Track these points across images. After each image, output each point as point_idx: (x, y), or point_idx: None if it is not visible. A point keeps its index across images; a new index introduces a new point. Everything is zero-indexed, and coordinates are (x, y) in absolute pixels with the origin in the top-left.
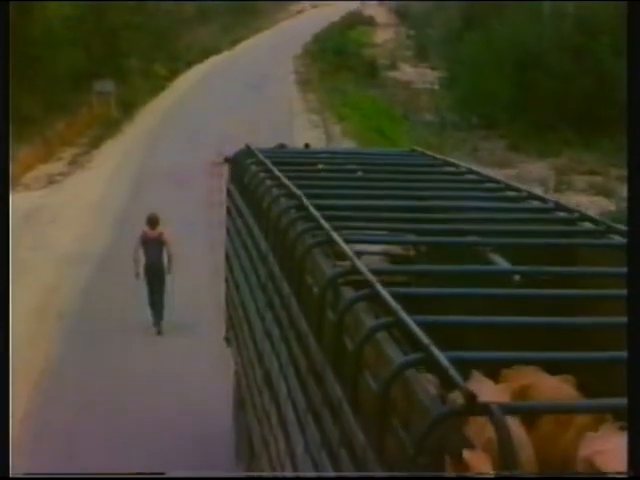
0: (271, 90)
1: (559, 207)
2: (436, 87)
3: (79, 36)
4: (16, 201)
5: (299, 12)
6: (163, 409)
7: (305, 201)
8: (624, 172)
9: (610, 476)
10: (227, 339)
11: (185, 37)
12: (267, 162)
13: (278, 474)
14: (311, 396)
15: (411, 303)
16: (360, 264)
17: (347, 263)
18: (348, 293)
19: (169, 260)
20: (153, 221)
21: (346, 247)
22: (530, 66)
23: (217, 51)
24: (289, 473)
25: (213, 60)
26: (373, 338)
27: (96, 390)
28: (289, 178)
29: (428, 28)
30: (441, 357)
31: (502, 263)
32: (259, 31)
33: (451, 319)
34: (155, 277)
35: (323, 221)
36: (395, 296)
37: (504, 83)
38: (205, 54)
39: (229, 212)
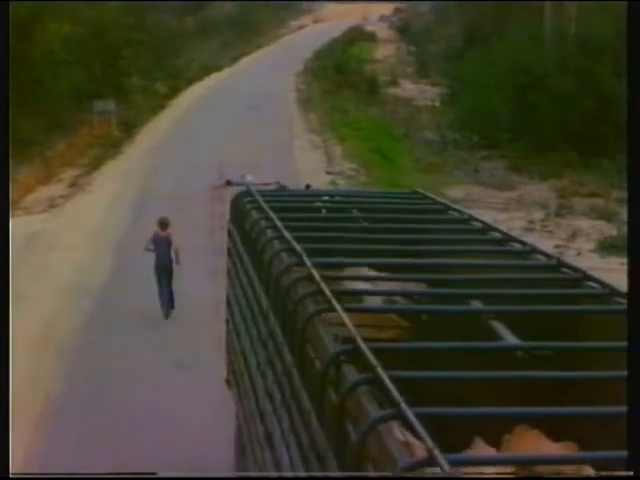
0: (272, 109)
1: (562, 264)
2: (437, 104)
3: (79, 56)
4: (16, 226)
5: (300, 28)
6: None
7: (307, 260)
8: (625, 194)
9: (610, 476)
10: (228, 382)
11: (186, 53)
12: (267, 209)
13: (278, 474)
14: (313, 471)
15: (412, 388)
16: (363, 345)
17: (349, 330)
18: (350, 373)
19: (176, 254)
20: (163, 223)
21: (348, 321)
22: (531, 87)
23: (218, 68)
24: (288, 473)
25: (214, 77)
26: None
27: (98, 431)
28: (290, 229)
29: (429, 44)
30: (409, 413)
31: (505, 333)
32: (260, 47)
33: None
34: (164, 272)
35: (324, 286)
36: (397, 380)
37: (505, 103)
38: (206, 71)
39: (230, 254)
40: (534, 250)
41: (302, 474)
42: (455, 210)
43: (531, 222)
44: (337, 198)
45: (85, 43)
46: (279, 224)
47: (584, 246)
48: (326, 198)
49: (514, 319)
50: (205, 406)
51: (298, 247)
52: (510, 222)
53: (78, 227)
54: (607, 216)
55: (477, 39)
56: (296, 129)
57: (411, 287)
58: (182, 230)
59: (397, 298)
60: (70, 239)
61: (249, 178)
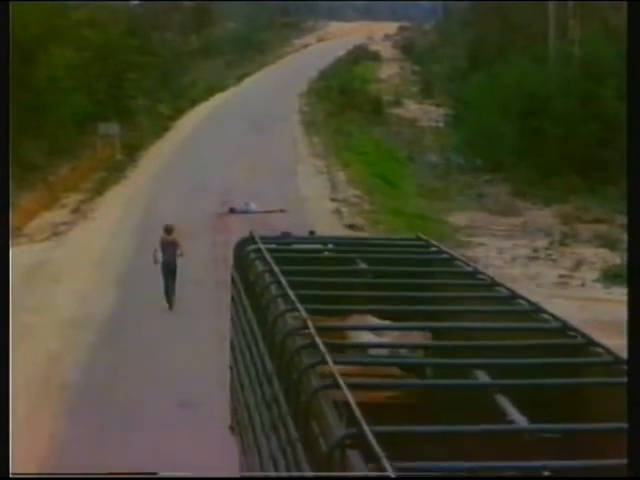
0: (275, 132)
1: (568, 327)
2: (441, 125)
3: (84, 80)
4: (19, 255)
5: (304, 46)
6: None
7: (311, 326)
8: None
9: (610, 476)
10: (232, 428)
11: (190, 71)
12: (271, 260)
13: (277, 474)
14: None
15: None
16: (368, 430)
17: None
18: (355, 459)
19: (180, 253)
20: (169, 229)
21: (352, 401)
22: (535, 111)
23: (222, 88)
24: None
25: (218, 97)
26: None
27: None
28: (294, 285)
29: (433, 64)
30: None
31: (510, 409)
32: (264, 66)
33: None
34: (169, 272)
35: (329, 357)
36: (401, 469)
37: (509, 127)
38: (210, 91)
39: (234, 301)
40: (539, 310)
41: (308, 474)
42: (460, 261)
43: (535, 250)
44: (341, 247)
45: (89, 67)
46: (283, 280)
47: (588, 275)
48: (330, 246)
49: (519, 391)
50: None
51: (302, 308)
52: (514, 250)
53: (81, 257)
54: (611, 243)
55: (481, 60)
56: (300, 153)
57: (415, 340)
58: (185, 262)
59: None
60: (73, 270)
61: (253, 206)
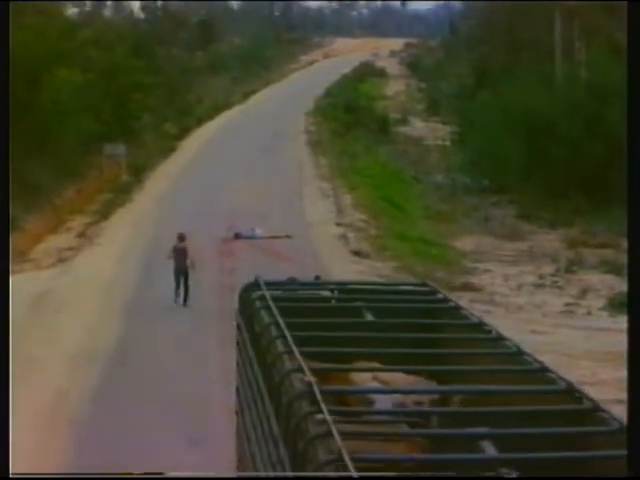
0: (282, 152)
1: (573, 389)
2: (447, 143)
3: (89, 102)
4: (25, 283)
5: (310, 63)
6: None
7: (317, 391)
8: None
9: (610, 476)
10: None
11: (196, 88)
12: (277, 313)
13: (276, 474)
14: None
15: None
16: None
17: None
18: None
19: (191, 263)
20: (181, 237)
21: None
22: (541, 132)
23: (228, 105)
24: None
25: (224, 115)
26: None
27: None
28: (300, 341)
29: (439, 80)
30: None
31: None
32: (270, 83)
33: None
34: (181, 275)
35: (335, 429)
36: None
37: (515, 148)
38: (216, 109)
39: (239, 347)
40: (545, 369)
41: (307, 474)
42: (465, 311)
43: (541, 277)
44: (346, 295)
45: (95, 87)
46: (288, 335)
47: (594, 304)
48: (336, 293)
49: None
50: None
51: (307, 370)
52: (520, 277)
53: (87, 285)
54: (617, 269)
55: (487, 78)
56: (306, 174)
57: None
58: (192, 290)
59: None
60: (79, 300)
61: (258, 231)
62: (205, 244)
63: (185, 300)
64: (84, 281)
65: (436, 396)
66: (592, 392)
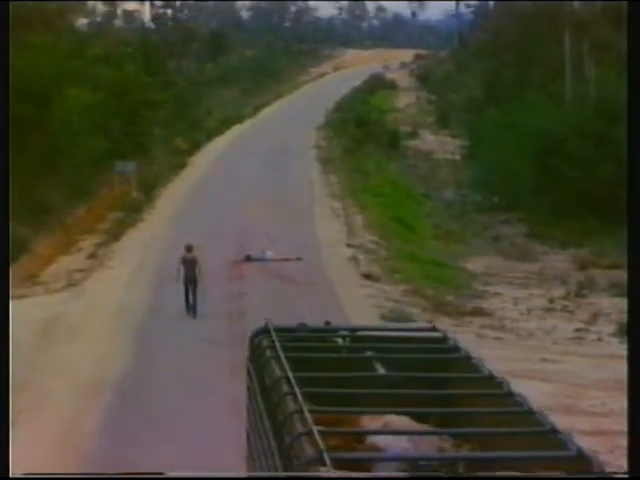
0: (292, 169)
1: (583, 455)
2: (457, 157)
3: (99, 121)
4: (35, 307)
5: (321, 75)
6: None
7: (327, 460)
8: None
9: (610, 476)
10: None
11: (207, 100)
12: (286, 365)
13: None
14: None
15: None
16: None
17: None
18: None
19: (200, 273)
20: (189, 248)
21: None
22: (550, 151)
23: (239, 119)
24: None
25: (234, 130)
26: None
27: None
28: (310, 398)
29: (449, 93)
30: None
31: None
32: (280, 96)
33: None
34: (190, 284)
35: None
36: None
37: (525, 166)
38: (227, 122)
39: (249, 393)
40: (554, 431)
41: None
42: (475, 360)
43: (551, 301)
44: (357, 344)
45: (105, 105)
46: (298, 392)
47: (604, 329)
48: (346, 340)
49: None
50: None
51: (318, 436)
52: (530, 300)
53: (97, 311)
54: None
55: (497, 92)
56: (316, 194)
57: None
58: (197, 318)
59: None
60: (89, 326)
61: (269, 253)
62: (215, 267)
63: (194, 310)
64: (95, 307)
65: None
66: (602, 423)
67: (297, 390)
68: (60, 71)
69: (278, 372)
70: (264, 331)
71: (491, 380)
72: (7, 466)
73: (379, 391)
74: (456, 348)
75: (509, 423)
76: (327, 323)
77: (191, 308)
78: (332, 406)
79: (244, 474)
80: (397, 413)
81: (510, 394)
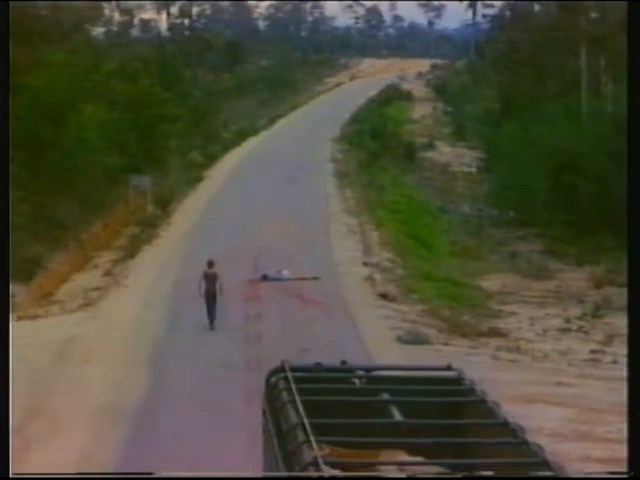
0: (308, 184)
1: None
2: (473, 170)
3: (115, 137)
4: (52, 328)
5: (337, 85)
6: None
7: None
8: None
9: (610, 476)
10: None
11: (222, 111)
12: (303, 412)
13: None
14: None
15: None
16: None
17: None
18: None
19: (220, 287)
20: (210, 264)
21: None
22: (567, 167)
23: (254, 131)
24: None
25: (250, 142)
26: None
27: None
28: (325, 445)
29: (466, 104)
30: None
31: None
32: (296, 107)
33: None
34: (211, 298)
35: None
36: None
37: (541, 181)
38: (242, 135)
39: (264, 433)
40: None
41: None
42: (490, 405)
43: (567, 321)
44: (372, 386)
45: (120, 120)
46: (314, 442)
47: (620, 351)
48: (362, 382)
49: None
50: None
51: None
52: (546, 320)
53: (113, 333)
54: None
55: (513, 105)
56: (332, 209)
57: None
58: (213, 340)
59: None
60: (105, 349)
61: (285, 273)
62: (231, 286)
63: (212, 322)
64: (111, 328)
65: None
66: (617, 450)
67: (313, 439)
68: (76, 88)
69: (294, 418)
70: (280, 370)
71: (506, 427)
72: (7, 466)
73: (395, 440)
74: (472, 390)
75: (524, 472)
76: (343, 362)
77: (212, 320)
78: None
79: (234, 474)
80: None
81: (525, 442)
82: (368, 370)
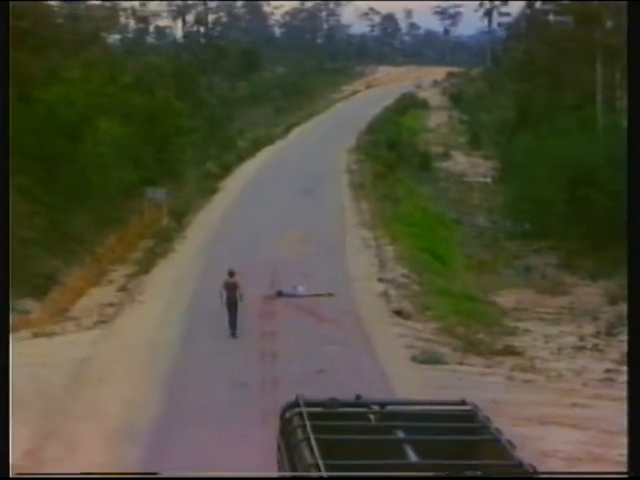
0: (324, 195)
1: None
2: (488, 180)
3: (130, 151)
4: (67, 347)
5: (353, 93)
6: None
7: None
8: None
9: (610, 476)
10: None
11: (238, 119)
12: (317, 453)
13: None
14: None
15: None
16: None
17: None
18: None
19: (240, 295)
20: (231, 273)
21: None
22: (583, 180)
23: (270, 140)
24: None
25: (265, 151)
26: None
27: None
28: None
29: (481, 112)
30: None
31: None
32: (312, 115)
33: None
34: (232, 306)
35: None
36: None
37: (556, 194)
38: (257, 144)
39: (279, 466)
40: None
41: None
42: (504, 443)
43: (582, 339)
44: (385, 422)
45: (136, 135)
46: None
47: None
48: (377, 418)
49: None
50: None
51: None
52: (561, 338)
53: (128, 352)
54: None
55: (529, 115)
56: (348, 222)
57: None
58: (227, 360)
59: None
60: (119, 369)
61: (300, 289)
62: (247, 303)
63: (234, 330)
64: (125, 347)
65: None
66: None
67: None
68: (92, 103)
69: (309, 458)
70: (294, 405)
71: (520, 468)
72: (7, 466)
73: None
74: (485, 428)
75: None
76: (358, 397)
77: (233, 328)
78: None
79: (238, 474)
80: None
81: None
82: (383, 405)
